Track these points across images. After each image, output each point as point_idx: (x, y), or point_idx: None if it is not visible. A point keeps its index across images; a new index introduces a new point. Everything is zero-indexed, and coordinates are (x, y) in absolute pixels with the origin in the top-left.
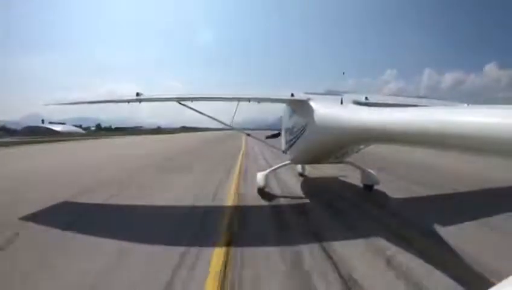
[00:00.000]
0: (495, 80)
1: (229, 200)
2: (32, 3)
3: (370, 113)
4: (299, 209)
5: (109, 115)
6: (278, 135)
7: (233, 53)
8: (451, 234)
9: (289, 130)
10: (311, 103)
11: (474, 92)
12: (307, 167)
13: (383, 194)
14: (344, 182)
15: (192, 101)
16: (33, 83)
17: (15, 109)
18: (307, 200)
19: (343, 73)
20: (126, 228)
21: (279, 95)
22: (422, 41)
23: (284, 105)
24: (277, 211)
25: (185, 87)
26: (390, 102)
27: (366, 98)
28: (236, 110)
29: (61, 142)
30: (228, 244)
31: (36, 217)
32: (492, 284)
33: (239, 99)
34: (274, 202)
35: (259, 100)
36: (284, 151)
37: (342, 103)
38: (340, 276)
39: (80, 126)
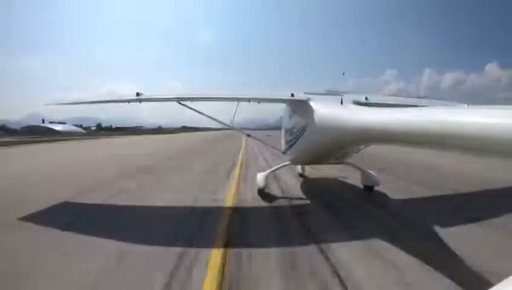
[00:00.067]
0: (495, 80)
1: (229, 201)
2: (32, 3)
3: (370, 113)
4: (299, 210)
5: (110, 115)
6: None
7: (233, 53)
8: (451, 234)
9: (289, 131)
10: (311, 103)
11: (475, 92)
12: (307, 167)
13: (383, 195)
14: (344, 182)
15: (192, 101)
16: (33, 83)
17: (15, 108)
18: (308, 201)
19: (343, 73)
20: (126, 228)
21: (279, 95)
22: (422, 41)
23: (284, 105)
24: (277, 212)
25: (185, 87)
26: (390, 102)
27: (366, 98)
28: (236, 110)
29: (61, 142)
30: (226, 245)
31: (36, 218)
32: (492, 284)
33: (239, 100)
34: (274, 203)
35: (259, 100)
36: (284, 152)
37: (342, 103)
38: (339, 278)
39: (81, 126)
